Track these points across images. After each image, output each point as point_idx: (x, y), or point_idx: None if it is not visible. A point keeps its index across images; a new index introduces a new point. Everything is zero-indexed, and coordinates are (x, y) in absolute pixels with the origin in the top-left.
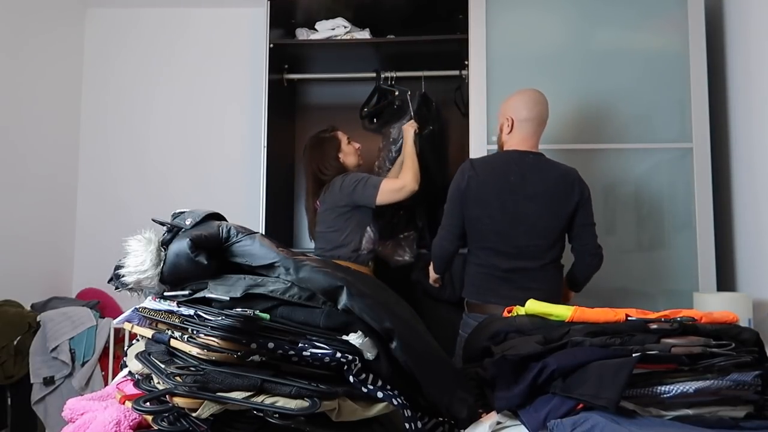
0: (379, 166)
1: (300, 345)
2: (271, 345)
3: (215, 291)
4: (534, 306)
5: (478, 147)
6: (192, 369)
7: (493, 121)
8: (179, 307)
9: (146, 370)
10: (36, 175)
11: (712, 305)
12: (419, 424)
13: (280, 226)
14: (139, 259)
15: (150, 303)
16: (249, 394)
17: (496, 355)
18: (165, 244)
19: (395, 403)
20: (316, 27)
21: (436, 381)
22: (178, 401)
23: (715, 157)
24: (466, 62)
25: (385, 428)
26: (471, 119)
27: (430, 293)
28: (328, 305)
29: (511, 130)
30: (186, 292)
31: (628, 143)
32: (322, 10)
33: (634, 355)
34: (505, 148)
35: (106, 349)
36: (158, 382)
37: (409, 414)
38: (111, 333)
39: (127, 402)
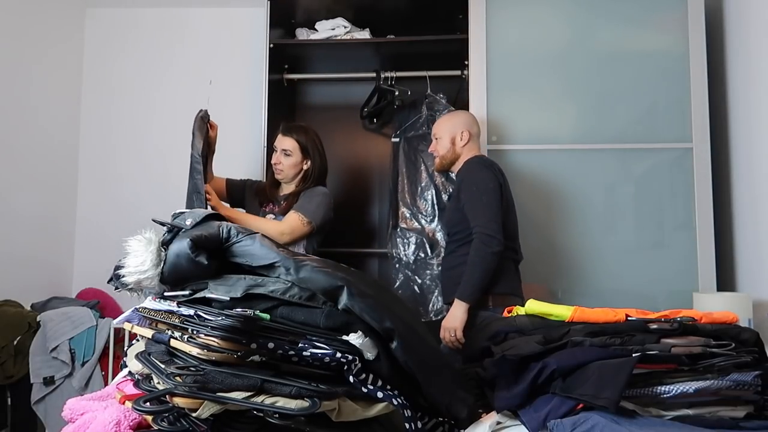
0: None
1: (300, 345)
2: (271, 345)
3: (215, 291)
4: (534, 306)
5: None
6: (192, 369)
7: (494, 121)
8: (179, 307)
9: (146, 370)
10: (36, 175)
11: (712, 305)
12: (419, 424)
13: None
14: (140, 259)
15: (150, 303)
16: (249, 394)
17: (496, 355)
18: (165, 244)
19: (395, 403)
20: (316, 27)
21: (436, 381)
22: (178, 401)
23: (715, 157)
24: (466, 62)
25: (385, 428)
26: None
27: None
28: (329, 305)
29: (468, 141)
30: (186, 293)
31: (628, 143)
32: (322, 10)
33: (634, 355)
34: (464, 158)
35: (106, 349)
36: (158, 382)
37: (409, 414)
38: (111, 333)
39: (127, 402)
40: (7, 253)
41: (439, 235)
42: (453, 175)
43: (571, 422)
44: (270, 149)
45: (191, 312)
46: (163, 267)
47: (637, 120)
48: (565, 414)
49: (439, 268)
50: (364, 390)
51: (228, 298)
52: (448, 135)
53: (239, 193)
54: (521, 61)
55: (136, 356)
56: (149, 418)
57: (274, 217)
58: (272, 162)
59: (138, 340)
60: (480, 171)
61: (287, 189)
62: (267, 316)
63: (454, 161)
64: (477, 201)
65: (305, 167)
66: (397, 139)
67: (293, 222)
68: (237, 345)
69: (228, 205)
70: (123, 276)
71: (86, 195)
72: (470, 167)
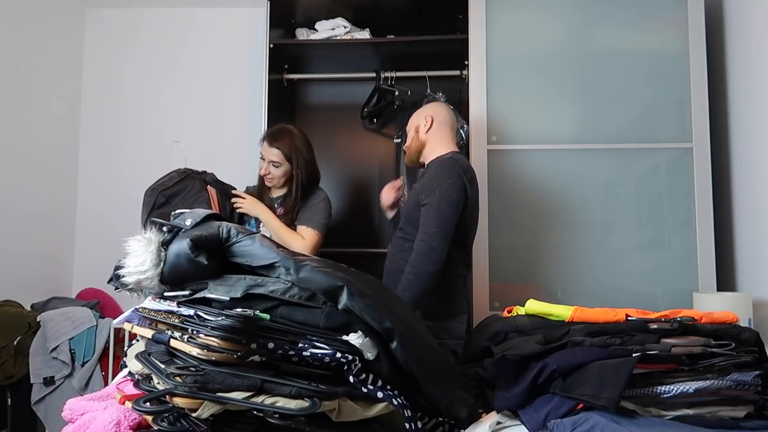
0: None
1: (300, 345)
2: (271, 345)
3: (215, 291)
4: (534, 306)
5: (478, 147)
6: (192, 369)
7: (494, 121)
8: (179, 307)
9: (146, 371)
10: (36, 176)
11: (712, 305)
12: (419, 424)
13: None
14: (140, 259)
15: (150, 303)
16: (249, 394)
17: (496, 355)
18: (165, 244)
19: (395, 403)
20: (316, 27)
21: (436, 381)
22: (178, 401)
23: (715, 157)
24: (466, 62)
25: (385, 428)
26: (471, 119)
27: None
28: (329, 305)
29: (430, 128)
30: (186, 293)
31: (628, 143)
32: (322, 10)
33: (634, 355)
34: (433, 148)
35: (106, 349)
36: (158, 383)
37: (409, 414)
38: (111, 333)
39: (127, 402)
40: (7, 253)
41: None
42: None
43: (571, 422)
44: None
45: (191, 312)
46: (163, 267)
47: (637, 120)
48: (565, 414)
49: None
50: (364, 390)
51: (228, 298)
52: (413, 126)
53: None
54: (521, 61)
55: (136, 356)
56: (149, 418)
57: None
58: (261, 173)
59: (138, 340)
60: (449, 176)
61: (279, 191)
62: (267, 316)
63: (420, 151)
64: (434, 207)
65: (294, 173)
66: (399, 140)
67: (313, 240)
68: (237, 345)
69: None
70: (123, 276)
71: (86, 194)
72: (443, 167)
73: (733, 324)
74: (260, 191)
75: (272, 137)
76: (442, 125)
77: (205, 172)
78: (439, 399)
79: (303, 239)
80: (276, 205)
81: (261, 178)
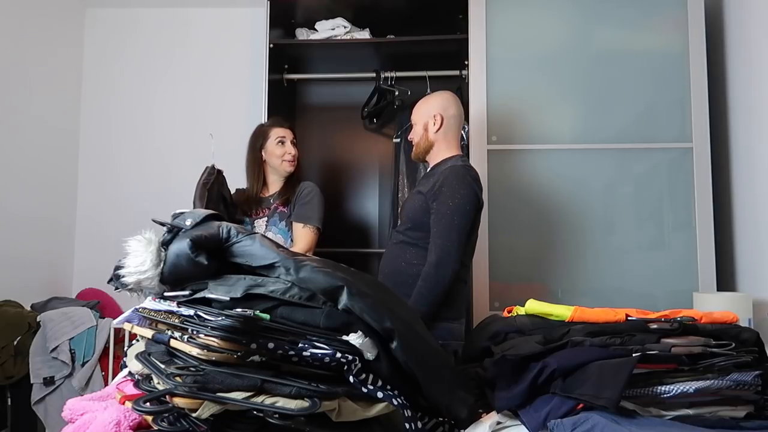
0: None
1: (300, 345)
2: (271, 345)
3: (215, 291)
4: (534, 306)
5: (478, 147)
6: (192, 369)
7: (494, 121)
8: (179, 307)
9: (146, 371)
10: (36, 176)
11: (712, 305)
12: (419, 424)
13: None
14: (140, 259)
15: (150, 303)
16: (249, 394)
17: (496, 355)
18: (165, 244)
19: (395, 403)
20: (316, 27)
21: (436, 381)
22: (178, 401)
23: (715, 157)
24: (466, 62)
25: (385, 428)
26: (471, 119)
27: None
28: (329, 305)
29: (440, 127)
30: (186, 293)
31: (628, 143)
32: (322, 10)
33: (634, 355)
34: (441, 150)
35: (106, 349)
36: (158, 383)
37: (409, 414)
38: (111, 333)
39: (127, 402)
40: (7, 253)
41: None
42: (428, 167)
43: (571, 422)
44: None
45: (191, 312)
46: (163, 267)
47: (637, 120)
48: (565, 414)
49: None
50: (364, 390)
51: (228, 298)
52: (422, 121)
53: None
54: (521, 61)
55: (136, 356)
56: (149, 418)
57: (266, 219)
58: (284, 155)
59: (138, 341)
60: (463, 187)
61: (273, 188)
62: (267, 316)
63: (428, 150)
64: (447, 219)
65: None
66: (398, 140)
67: (308, 238)
68: (237, 345)
69: None
70: (123, 276)
71: (86, 195)
72: (456, 176)
73: (733, 324)
74: (258, 191)
75: (283, 119)
76: (451, 124)
77: (220, 172)
78: (439, 399)
79: (296, 246)
80: (272, 201)
81: (259, 174)
